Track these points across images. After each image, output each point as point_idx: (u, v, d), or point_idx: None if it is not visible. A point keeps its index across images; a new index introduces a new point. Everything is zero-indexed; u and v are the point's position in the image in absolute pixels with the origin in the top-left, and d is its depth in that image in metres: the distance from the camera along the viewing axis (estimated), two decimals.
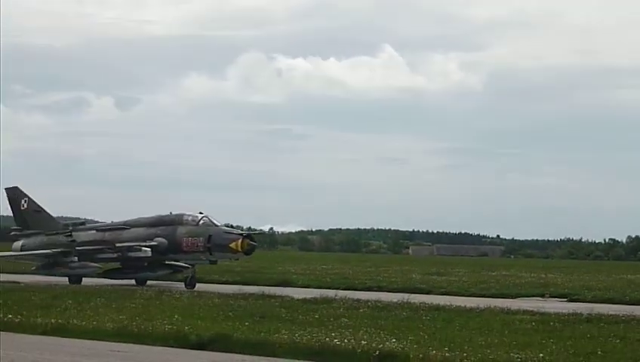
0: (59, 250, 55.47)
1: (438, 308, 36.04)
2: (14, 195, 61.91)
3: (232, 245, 51.35)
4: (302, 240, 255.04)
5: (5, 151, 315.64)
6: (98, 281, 53.65)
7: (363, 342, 24.31)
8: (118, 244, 54.42)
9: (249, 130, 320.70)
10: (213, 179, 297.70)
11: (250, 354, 24.47)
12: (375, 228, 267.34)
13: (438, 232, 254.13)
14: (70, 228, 58.07)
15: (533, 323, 30.77)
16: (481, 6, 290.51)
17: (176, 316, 30.72)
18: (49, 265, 55.95)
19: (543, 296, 51.65)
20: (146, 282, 54.87)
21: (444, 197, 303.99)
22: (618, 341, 26.08)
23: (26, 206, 61.32)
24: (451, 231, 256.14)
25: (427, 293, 49.98)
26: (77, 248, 54.96)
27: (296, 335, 25.87)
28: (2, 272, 62.65)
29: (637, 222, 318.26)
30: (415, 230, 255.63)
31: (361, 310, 34.93)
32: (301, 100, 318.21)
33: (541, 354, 22.05)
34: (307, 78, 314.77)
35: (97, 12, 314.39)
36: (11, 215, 64.54)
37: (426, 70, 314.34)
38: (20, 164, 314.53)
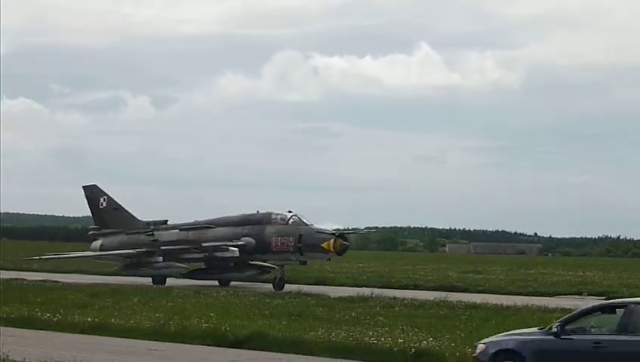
0: (143, 249, 53.88)
1: (474, 306, 35.92)
2: (92, 193, 59.95)
3: (325, 245, 49.42)
4: None
5: (42, 150, 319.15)
6: (176, 282, 52.17)
7: (399, 340, 24.31)
8: (204, 244, 52.61)
9: (284, 128, 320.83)
10: (249, 178, 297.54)
11: (287, 352, 24.56)
12: (411, 226, 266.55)
13: (474, 230, 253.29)
14: (151, 227, 55.99)
15: None
16: (519, 3, 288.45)
17: (212, 314, 30.85)
18: (132, 266, 54.52)
19: (580, 294, 51.35)
20: (229, 283, 53.20)
21: (480, 195, 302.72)
22: None
23: (105, 204, 59.33)
24: (488, 229, 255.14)
25: (464, 291, 49.81)
26: (162, 248, 53.33)
27: (333, 333, 25.90)
28: (81, 273, 62.40)
29: None
30: (452, 228, 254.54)
31: (398, 308, 34.91)
32: (337, 98, 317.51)
33: None
34: (343, 76, 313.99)
35: (134, 11, 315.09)
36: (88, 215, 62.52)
37: (462, 68, 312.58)
38: (56, 162, 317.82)
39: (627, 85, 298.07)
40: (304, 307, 34.88)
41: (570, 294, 50.95)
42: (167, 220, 58.00)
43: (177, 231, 55.63)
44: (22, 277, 52.98)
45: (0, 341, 22.98)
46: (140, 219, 58.85)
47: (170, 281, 52.59)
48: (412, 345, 23.58)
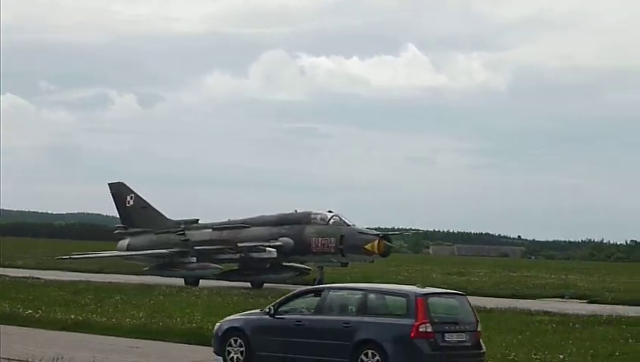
0: (175, 249, 52.09)
1: None
2: (119, 191, 58.32)
3: (368, 246, 47.77)
4: None
5: (29, 147, 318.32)
6: (205, 283, 50.48)
7: None
8: (239, 244, 50.60)
9: (274, 128, 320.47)
10: (238, 177, 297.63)
11: None
12: (396, 227, 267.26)
13: (458, 232, 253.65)
14: (182, 226, 54.11)
15: (553, 324, 30.77)
16: (507, 5, 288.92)
17: (195, 313, 30.82)
18: (164, 266, 52.55)
19: (563, 297, 51.51)
20: (262, 285, 51.45)
21: (465, 197, 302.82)
22: (638, 343, 26.02)
23: (132, 202, 57.64)
24: (472, 231, 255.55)
25: None
26: (195, 248, 51.54)
27: None
28: (107, 273, 60.67)
29: None
30: (436, 230, 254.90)
31: None
32: (325, 98, 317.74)
33: (561, 356, 22.06)
34: (330, 77, 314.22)
35: (122, 9, 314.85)
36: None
37: (449, 69, 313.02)
38: (43, 159, 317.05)
39: (617, 87, 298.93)
40: None
41: (553, 297, 51.14)
42: (198, 219, 56.24)
43: (210, 230, 53.87)
44: (5, 273, 52.67)
45: None
46: (169, 218, 57.13)
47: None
48: None
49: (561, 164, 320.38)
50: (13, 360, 20.56)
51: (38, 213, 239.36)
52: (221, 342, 21.58)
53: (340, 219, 49.48)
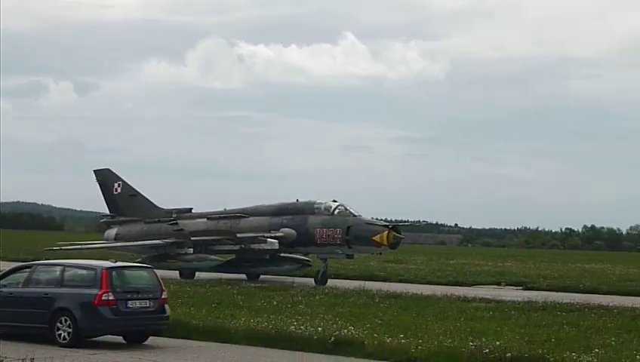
0: (171, 240, 49.05)
1: (394, 295, 36.21)
2: (105, 178, 56.03)
3: (377, 238, 45.64)
4: None
5: None
6: (205, 275, 48.18)
7: (319, 328, 24.37)
8: (239, 235, 48.32)
9: (211, 116, 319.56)
10: (173, 165, 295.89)
11: (208, 341, 24.48)
12: None
13: (395, 220, 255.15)
14: (174, 215, 51.98)
15: (490, 311, 30.98)
16: None
17: None
18: (158, 257, 48.39)
19: (499, 284, 51.98)
20: (259, 277, 49.60)
21: (402, 186, 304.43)
22: (572, 329, 26.32)
23: (119, 190, 55.31)
24: (409, 219, 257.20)
25: (384, 281, 50.12)
26: (192, 238, 48.85)
27: (253, 321, 25.89)
28: None
29: (592, 212, 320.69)
30: (373, 218, 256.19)
31: (318, 297, 35.00)
32: (262, 87, 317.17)
33: (497, 342, 22.19)
34: (268, 65, 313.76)
35: None
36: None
37: (387, 58, 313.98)
38: None
39: (550, 77, 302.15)
40: (224, 295, 34.81)
41: (489, 284, 51.59)
42: (191, 208, 53.61)
43: (205, 220, 51.31)
44: None
45: None
46: (160, 206, 54.85)
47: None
48: (332, 333, 23.65)
49: (498, 153, 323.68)
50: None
51: None
52: None
53: (346, 208, 47.46)
